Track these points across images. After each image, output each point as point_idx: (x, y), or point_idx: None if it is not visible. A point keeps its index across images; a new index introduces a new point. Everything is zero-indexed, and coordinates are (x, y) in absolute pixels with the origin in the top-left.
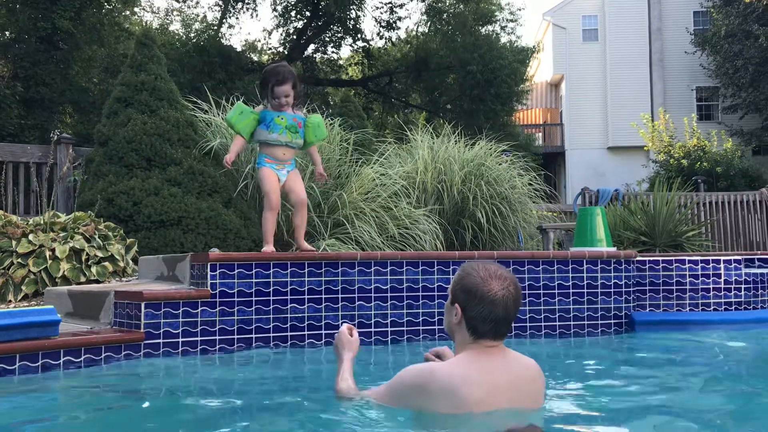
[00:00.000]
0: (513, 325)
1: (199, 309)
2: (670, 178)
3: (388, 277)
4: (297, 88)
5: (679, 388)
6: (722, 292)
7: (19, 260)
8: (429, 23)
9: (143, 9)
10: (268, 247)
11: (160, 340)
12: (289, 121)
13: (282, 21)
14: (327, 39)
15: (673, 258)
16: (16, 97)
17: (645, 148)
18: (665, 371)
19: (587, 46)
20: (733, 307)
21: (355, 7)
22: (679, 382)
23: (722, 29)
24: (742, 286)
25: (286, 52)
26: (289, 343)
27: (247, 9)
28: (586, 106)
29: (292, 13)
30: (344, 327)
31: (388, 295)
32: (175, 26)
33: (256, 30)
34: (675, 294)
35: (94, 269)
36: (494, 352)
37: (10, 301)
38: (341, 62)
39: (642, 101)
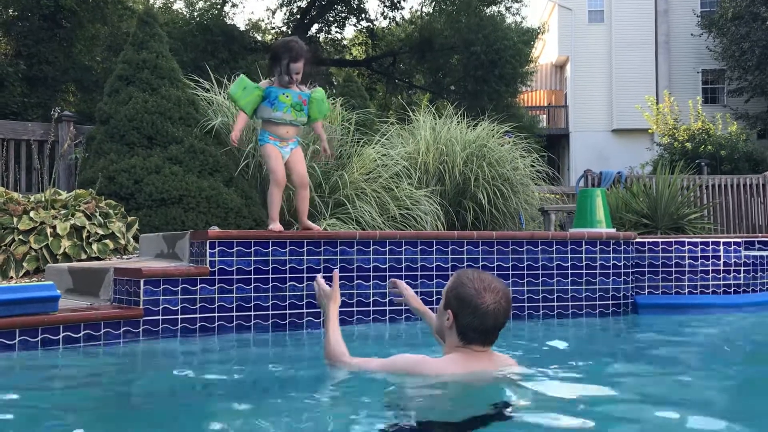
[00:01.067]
0: (511, 305)
1: (198, 286)
2: (674, 161)
3: (387, 256)
4: (307, 66)
5: (675, 372)
6: (721, 275)
7: (21, 237)
8: (433, 3)
9: None
10: (275, 225)
11: (159, 317)
12: (294, 99)
13: (285, 0)
14: (331, 19)
15: (672, 240)
16: (19, 75)
17: (649, 130)
18: (662, 353)
19: (593, 27)
20: (732, 290)
21: None
22: (675, 367)
23: (729, 11)
24: (742, 268)
25: (289, 32)
26: (287, 320)
27: None
28: (590, 88)
29: None
30: (319, 278)
31: (387, 274)
32: (179, 5)
33: (259, 9)
34: (674, 276)
35: (95, 246)
36: (481, 356)
37: (12, 277)
38: (345, 42)
39: (647, 84)
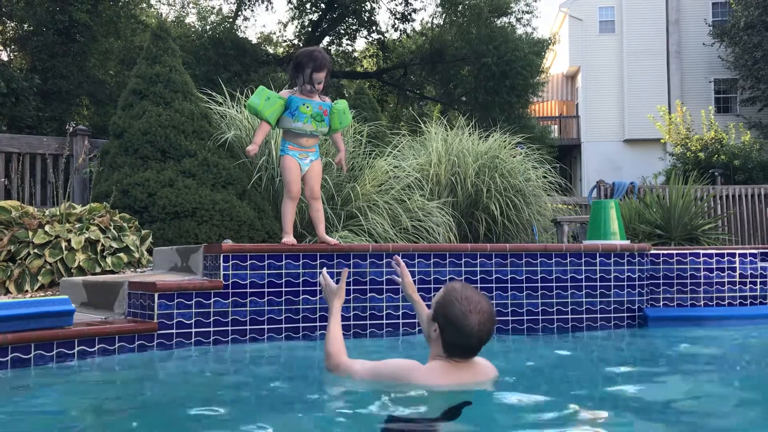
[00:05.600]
0: (525, 318)
1: (212, 300)
2: (687, 171)
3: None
4: (329, 76)
5: (686, 388)
6: (737, 286)
7: (36, 251)
8: (444, 15)
9: (159, 1)
10: (288, 238)
11: (173, 331)
12: (315, 110)
13: (297, 13)
14: (342, 31)
15: (687, 251)
16: (34, 90)
17: (662, 140)
18: (671, 369)
19: (604, 37)
20: (748, 302)
21: None
22: (685, 383)
23: (741, 20)
24: (758, 280)
25: (301, 45)
26: (301, 334)
27: (263, 1)
28: (602, 99)
29: (307, 5)
30: (325, 272)
31: (400, 287)
32: (191, 19)
33: (271, 22)
34: (689, 288)
35: (109, 260)
36: (462, 366)
37: (27, 291)
38: (356, 54)
39: (659, 93)
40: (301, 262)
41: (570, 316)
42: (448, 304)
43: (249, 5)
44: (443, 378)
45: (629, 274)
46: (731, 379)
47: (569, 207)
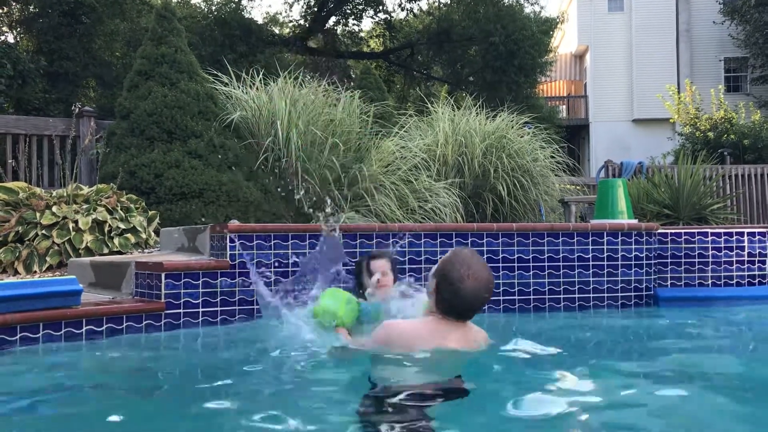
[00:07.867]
0: (532, 297)
1: (219, 279)
2: (696, 150)
3: (407, 249)
4: (394, 265)
5: (695, 368)
6: (746, 266)
7: (43, 232)
8: None
9: None
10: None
11: (181, 310)
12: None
13: None
14: (348, 11)
15: (695, 231)
16: (40, 72)
17: (671, 120)
18: (683, 349)
19: (612, 16)
20: (756, 281)
21: None
22: (695, 363)
23: None
24: (767, 259)
25: (307, 25)
26: None
27: None
28: (611, 78)
29: None
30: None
31: (406, 267)
32: None
33: (276, 2)
34: (697, 267)
35: (116, 241)
36: (452, 327)
37: (35, 271)
38: (363, 35)
39: (668, 72)
40: (307, 242)
41: (577, 296)
42: (449, 264)
43: None
44: (428, 333)
45: (637, 253)
46: (741, 358)
47: (577, 187)
